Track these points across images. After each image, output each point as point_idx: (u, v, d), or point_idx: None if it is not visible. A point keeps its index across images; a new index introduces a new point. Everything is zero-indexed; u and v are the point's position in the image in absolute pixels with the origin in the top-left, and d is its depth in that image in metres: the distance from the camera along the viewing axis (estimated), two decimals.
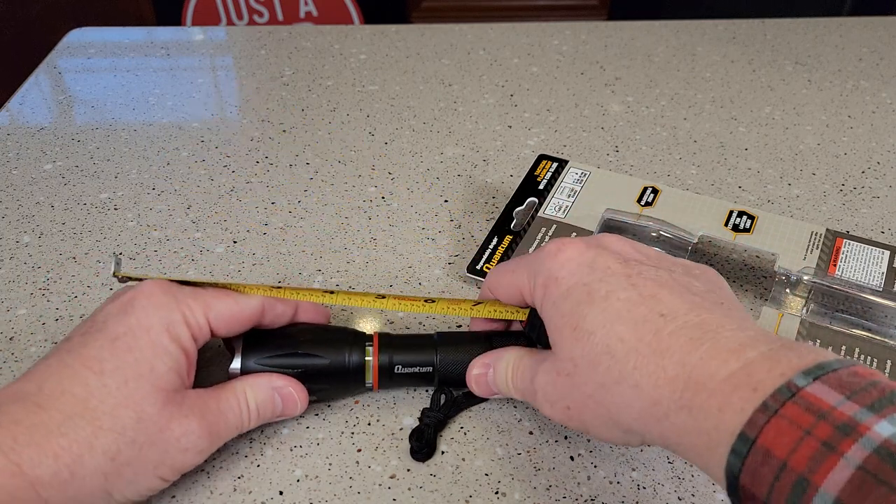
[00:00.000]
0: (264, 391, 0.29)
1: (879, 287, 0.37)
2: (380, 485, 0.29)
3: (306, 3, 1.33)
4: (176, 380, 0.27)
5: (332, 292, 0.32)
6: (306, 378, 0.30)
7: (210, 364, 0.33)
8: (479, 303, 0.32)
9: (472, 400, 0.32)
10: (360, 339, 0.31)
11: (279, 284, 0.35)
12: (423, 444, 0.30)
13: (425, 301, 0.32)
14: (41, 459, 0.23)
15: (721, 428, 0.21)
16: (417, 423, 0.31)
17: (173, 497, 0.29)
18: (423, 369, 0.31)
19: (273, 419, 0.30)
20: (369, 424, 0.32)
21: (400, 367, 0.31)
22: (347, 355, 0.30)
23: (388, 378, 0.31)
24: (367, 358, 0.31)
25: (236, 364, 0.30)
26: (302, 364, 0.30)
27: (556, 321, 0.26)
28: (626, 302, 0.25)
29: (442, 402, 0.31)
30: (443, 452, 0.31)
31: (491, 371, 0.30)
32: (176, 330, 0.27)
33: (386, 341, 0.31)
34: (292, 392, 0.30)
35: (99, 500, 0.25)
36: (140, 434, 0.25)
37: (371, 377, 0.31)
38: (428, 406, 0.32)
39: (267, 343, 0.30)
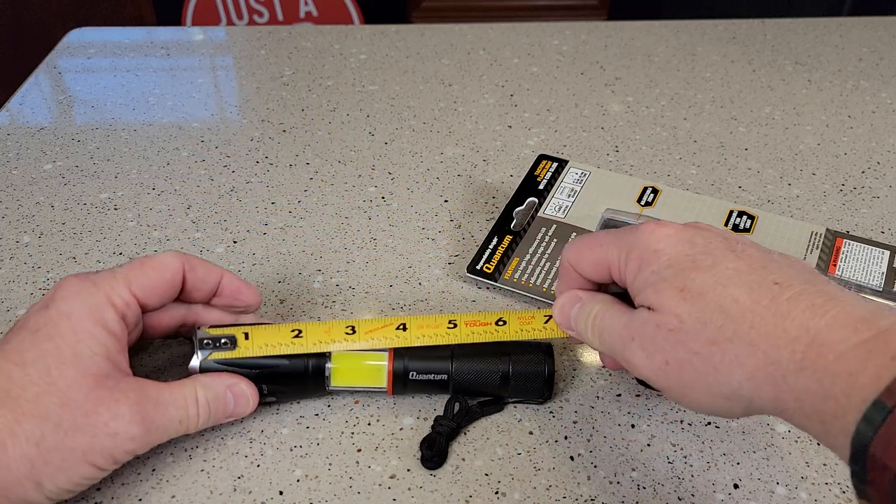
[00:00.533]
0: (217, 388, 0.29)
1: (879, 287, 0.37)
2: (380, 485, 0.29)
3: (306, 3, 1.33)
4: (105, 364, 0.26)
5: (402, 328, 0.31)
6: (265, 379, 0.30)
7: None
8: (549, 317, 0.31)
9: (487, 409, 0.32)
10: None
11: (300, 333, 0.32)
12: (434, 453, 0.30)
13: (496, 323, 0.31)
14: None
15: (852, 394, 0.20)
16: (430, 430, 0.31)
17: (173, 497, 0.29)
18: (438, 377, 0.31)
19: (224, 418, 0.30)
20: (369, 424, 0.32)
21: (415, 373, 0.31)
22: (307, 357, 0.30)
23: (402, 385, 0.31)
24: (326, 363, 0.31)
25: (195, 362, 0.30)
26: (261, 364, 0.30)
27: (657, 286, 0.25)
28: (735, 270, 0.24)
29: (455, 410, 0.31)
30: None
31: (578, 306, 0.29)
32: (101, 313, 0.27)
33: (401, 348, 0.31)
34: (245, 390, 0.30)
35: (29, 490, 0.25)
36: (65, 419, 0.25)
37: (385, 382, 0.31)
38: (429, 408, 0.32)
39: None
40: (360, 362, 0.31)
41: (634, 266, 0.26)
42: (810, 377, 0.21)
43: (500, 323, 0.31)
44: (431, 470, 0.30)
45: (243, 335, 0.30)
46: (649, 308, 0.25)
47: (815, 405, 0.21)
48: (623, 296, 0.28)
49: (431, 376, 0.31)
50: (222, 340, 0.30)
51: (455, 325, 0.31)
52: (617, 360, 0.27)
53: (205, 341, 0.30)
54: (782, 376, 0.22)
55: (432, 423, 0.31)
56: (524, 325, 0.31)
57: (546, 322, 0.31)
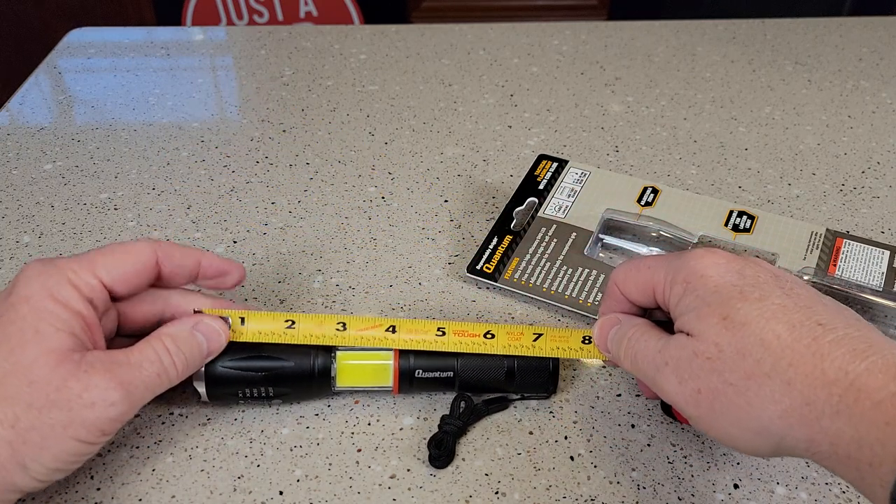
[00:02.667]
0: (183, 332, 0.28)
1: (879, 287, 0.37)
2: (380, 485, 0.29)
3: (306, 3, 1.33)
4: (69, 340, 0.26)
5: (391, 329, 0.31)
6: (270, 381, 0.30)
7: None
8: (540, 335, 0.31)
9: (493, 407, 0.32)
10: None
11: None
12: (441, 452, 0.30)
13: (484, 336, 0.31)
14: None
15: (888, 444, 0.20)
16: (437, 429, 0.31)
17: (173, 497, 0.29)
18: (444, 374, 0.31)
19: (203, 359, 0.29)
20: (369, 424, 0.32)
21: (420, 371, 0.31)
22: (313, 358, 0.30)
23: (409, 383, 0.31)
24: (332, 363, 0.30)
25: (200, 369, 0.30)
26: (266, 367, 0.30)
27: (699, 311, 0.25)
28: (780, 306, 0.24)
29: (461, 409, 0.31)
30: None
31: (616, 328, 0.29)
32: (61, 293, 0.26)
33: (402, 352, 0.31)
34: (211, 324, 0.29)
35: (15, 474, 0.24)
36: (35, 397, 0.25)
37: (391, 381, 0.31)
38: (428, 408, 0.32)
39: (232, 346, 0.30)
40: (365, 361, 0.31)
41: (679, 289, 0.26)
42: (846, 422, 0.21)
43: (488, 336, 0.31)
44: (440, 469, 0.30)
45: (239, 319, 0.30)
46: (688, 334, 0.25)
47: (849, 451, 0.21)
48: (666, 325, 0.28)
49: (437, 374, 0.31)
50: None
51: (444, 333, 0.31)
52: (648, 384, 0.27)
53: None
54: (817, 418, 0.22)
55: (439, 422, 0.31)
56: (513, 342, 0.31)
57: (584, 342, 0.31)
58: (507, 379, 0.31)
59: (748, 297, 0.24)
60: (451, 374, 0.31)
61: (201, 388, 0.30)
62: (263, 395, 0.31)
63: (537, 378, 0.31)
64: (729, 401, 0.23)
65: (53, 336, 0.26)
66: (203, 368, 0.30)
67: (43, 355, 0.25)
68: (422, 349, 0.31)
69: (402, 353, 0.31)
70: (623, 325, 0.28)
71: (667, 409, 0.31)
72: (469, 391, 0.32)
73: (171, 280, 0.30)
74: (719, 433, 0.24)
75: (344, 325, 0.31)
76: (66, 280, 0.27)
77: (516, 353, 0.31)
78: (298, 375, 0.30)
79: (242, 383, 0.30)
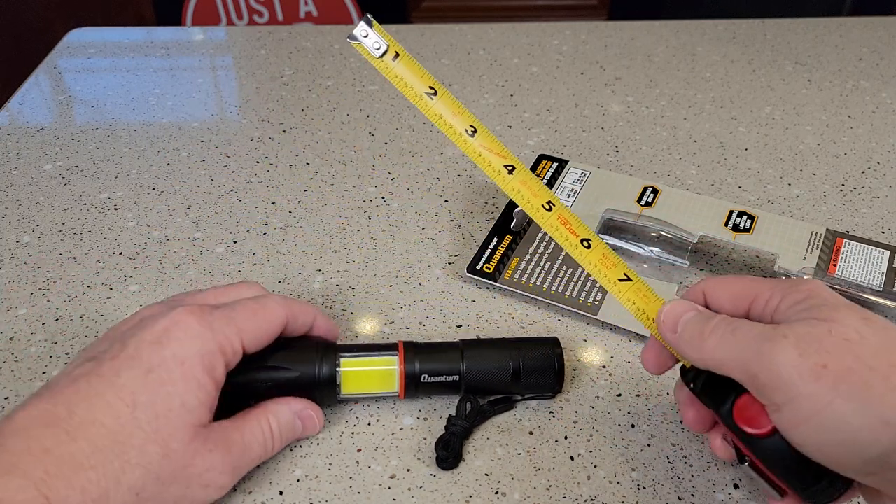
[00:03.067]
0: (286, 416, 0.29)
1: (879, 287, 0.37)
2: (380, 485, 0.29)
3: (306, 3, 1.33)
4: (205, 414, 0.26)
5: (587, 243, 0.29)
6: (274, 390, 0.30)
7: None
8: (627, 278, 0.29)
9: (499, 408, 0.32)
10: (331, 349, 0.31)
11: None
12: (449, 454, 0.30)
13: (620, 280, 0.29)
14: (69, 493, 0.23)
15: None
16: (444, 430, 0.31)
17: None
18: (450, 378, 0.31)
19: (292, 441, 0.30)
20: (369, 424, 0.32)
21: (426, 376, 0.31)
22: (318, 367, 0.30)
23: (415, 387, 0.31)
24: (336, 371, 0.30)
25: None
26: (272, 378, 0.30)
27: (834, 308, 0.23)
28: None
29: (468, 410, 0.31)
30: None
31: (694, 313, 0.26)
32: (211, 361, 0.26)
33: (411, 349, 0.31)
34: (312, 414, 0.30)
35: None
36: (165, 470, 0.25)
37: (397, 386, 0.31)
38: (428, 408, 0.32)
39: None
40: (370, 368, 0.31)
41: (796, 297, 0.24)
42: None
43: (585, 244, 0.29)
44: (447, 471, 0.30)
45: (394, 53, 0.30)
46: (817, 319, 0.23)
47: None
48: None
49: (443, 378, 0.31)
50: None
51: (550, 209, 0.29)
52: (744, 360, 0.23)
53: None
54: None
55: (445, 423, 0.31)
56: (602, 267, 0.29)
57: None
58: (514, 380, 0.31)
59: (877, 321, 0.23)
60: (457, 377, 0.31)
61: None
62: None
63: (543, 378, 0.31)
64: (864, 381, 0.21)
65: (195, 410, 0.26)
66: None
67: (182, 429, 0.25)
68: (526, 210, 0.30)
69: (408, 358, 0.31)
70: (705, 311, 0.26)
71: (741, 456, 0.27)
72: (475, 394, 0.32)
73: (287, 333, 0.30)
74: (831, 416, 0.21)
75: (475, 129, 0.30)
76: (219, 348, 0.27)
77: (598, 280, 0.29)
78: (304, 384, 0.30)
79: (249, 396, 0.30)
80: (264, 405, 0.29)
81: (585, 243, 0.29)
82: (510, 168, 0.30)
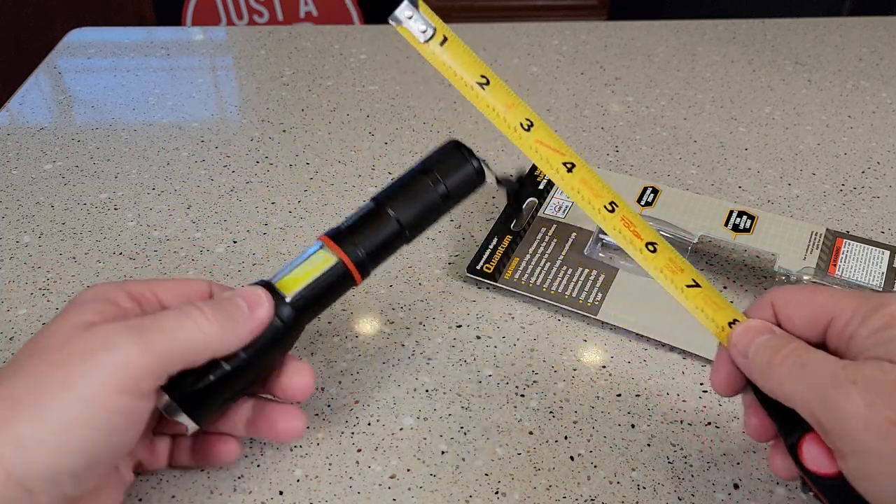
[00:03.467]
0: (216, 298, 0.26)
1: (879, 287, 0.37)
2: (380, 485, 0.29)
3: (306, 3, 1.33)
4: (105, 308, 0.24)
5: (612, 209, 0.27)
6: (246, 369, 0.26)
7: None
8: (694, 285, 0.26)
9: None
10: (263, 285, 0.27)
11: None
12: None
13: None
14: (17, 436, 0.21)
15: None
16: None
17: (173, 497, 0.29)
18: (392, 236, 0.28)
19: (247, 323, 0.25)
20: (369, 424, 0.32)
21: (370, 250, 0.27)
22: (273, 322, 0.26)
23: (370, 267, 0.28)
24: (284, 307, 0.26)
25: (162, 400, 0.25)
26: (234, 362, 0.25)
27: None
28: None
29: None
30: (443, 452, 0.31)
31: (769, 336, 0.24)
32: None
33: (339, 237, 0.27)
34: (248, 289, 0.26)
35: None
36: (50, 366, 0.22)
37: (353, 276, 0.27)
38: (428, 408, 0.32)
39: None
40: (309, 274, 0.27)
41: (876, 323, 0.22)
42: None
43: (650, 248, 0.27)
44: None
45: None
46: (891, 361, 0.21)
47: None
48: None
49: (387, 238, 0.28)
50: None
51: (612, 210, 0.27)
52: (809, 401, 0.22)
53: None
54: None
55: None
56: (668, 272, 0.27)
57: (730, 325, 0.26)
58: (444, 201, 0.29)
59: None
60: (397, 228, 0.28)
61: (183, 420, 0.25)
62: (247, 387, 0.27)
63: (470, 185, 0.29)
64: None
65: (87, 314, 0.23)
66: (169, 398, 0.25)
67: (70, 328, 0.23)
68: (587, 211, 0.27)
69: (345, 248, 0.27)
70: (779, 336, 0.25)
71: (806, 483, 0.25)
72: (418, 232, 0.29)
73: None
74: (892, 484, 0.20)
75: (531, 123, 0.27)
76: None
77: (664, 285, 0.27)
78: (264, 340, 0.26)
79: (226, 392, 0.26)
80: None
81: (651, 247, 0.27)
82: (569, 166, 0.27)
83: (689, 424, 0.32)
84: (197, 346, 0.24)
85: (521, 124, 0.27)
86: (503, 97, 0.27)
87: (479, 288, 0.38)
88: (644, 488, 0.29)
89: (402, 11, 0.26)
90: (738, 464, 0.30)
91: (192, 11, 1.34)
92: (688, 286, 0.27)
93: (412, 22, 0.27)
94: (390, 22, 0.27)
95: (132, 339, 0.23)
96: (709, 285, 0.27)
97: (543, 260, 0.39)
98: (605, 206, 0.27)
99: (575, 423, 0.32)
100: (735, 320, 0.26)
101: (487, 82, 0.27)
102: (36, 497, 0.22)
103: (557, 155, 0.27)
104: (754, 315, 0.26)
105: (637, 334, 0.36)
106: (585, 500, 0.29)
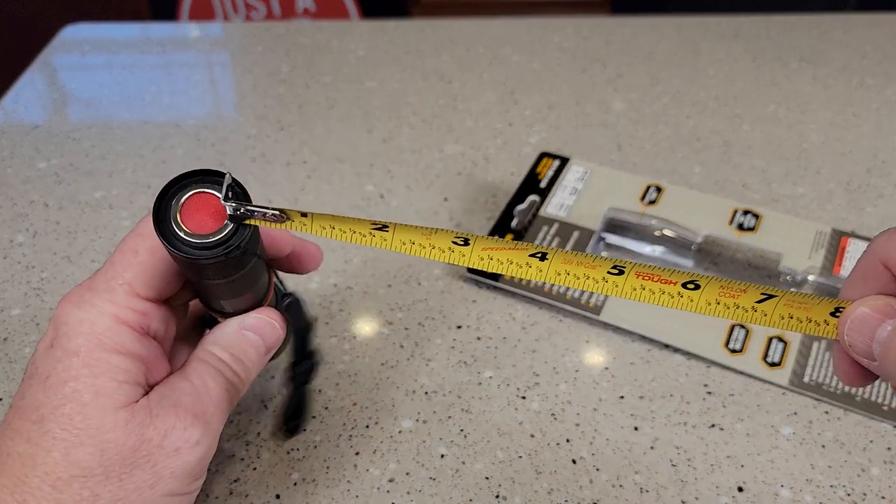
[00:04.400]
0: (230, 336, 0.25)
1: None
2: (378, 488, 0.29)
3: None
4: (132, 390, 0.23)
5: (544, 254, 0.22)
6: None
7: None
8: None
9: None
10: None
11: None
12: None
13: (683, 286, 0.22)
14: None
15: None
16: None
17: None
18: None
19: (267, 356, 0.26)
20: (367, 427, 0.31)
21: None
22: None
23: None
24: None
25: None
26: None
27: None
28: None
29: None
30: (442, 455, 0.30)
31: (891, 325, 0.19)
32: (112, 338, 0.23)
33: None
34: (260, 318, 0.25)
35: None
36: (111, 465, 0.22)
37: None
38: (428, 409, 0.31)
39: None
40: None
41: None
42: None
43: (690, 286, 0.22)
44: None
45: (298, 212, 0.22)
46: None
47: None
48: None
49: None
50: (269, 213, 0.22)
51: (620, 273, 0.23)
52: None
53: (231, 193, 0.21)
54: None
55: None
56: (725, 298, 0.22)
57: (834, 314, 0.21)
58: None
59: None
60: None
61: None
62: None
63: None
64: None
65: (116, 392, 0.22)
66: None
67: (109, 416, 0.22)
68: (581, 287, 0.23)
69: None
70: None
71: None
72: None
73: None
74: None
75: (466, 240, 0.23)
76: (113, 318, 0.23)
77: (725, 315, 0.22)
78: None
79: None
80: (204, 338, 0.25)
81: (691, 285, 0.22)
82: (540, 255, 0.23)
83: (693, 427, 0.31)
84: (231, 403, 0.25)
85: (455, 241, 0.23)
86: (414, 230, 0.23)
87: (480, 288, 0.38)
88: (647, 491, 0.29)
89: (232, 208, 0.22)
90: (743, 466, 0.30)
91: (189, 6, 1.33)
92: (758, 302, 0.22)
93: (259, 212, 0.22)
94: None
95: (195, 428, 0.23)
96: (782, 291, 0.22)
97: None
98: (608, 273, 0.23)
99: (577, 425, 0.31)
100: (838, 308, 0.21)
101: (385, 226, 0.23)
102: None
103: (519, 252, 0.23)
104: (859, 277, 0.21)
105: (640, 335, 0.35)
106: None
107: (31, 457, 0.21)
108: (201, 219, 0.22)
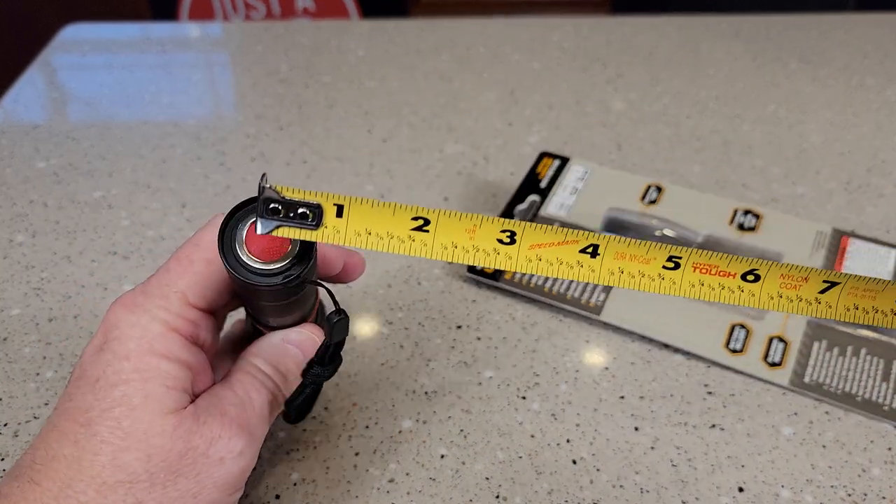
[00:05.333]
0: (272, 350, 0.25)
1: None
2: (378, 489, 0.29)
3: None
4: (181, 397, 0.23)
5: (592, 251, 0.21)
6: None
7: None
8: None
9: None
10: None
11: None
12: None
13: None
14: None
15: None
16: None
17: None
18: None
19: (300, 369, 0.26)
20: (367, 427, 0.31)
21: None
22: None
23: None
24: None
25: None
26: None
27: None
28: None
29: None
30: (442, 456, 0.30)
31: None
32: (163, 344, 0.23)
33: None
34: (304, 333, 0.26)
35: None
36: (157, 471, 0.22)
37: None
38: (428, 410, 0.31)
39: None
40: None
41: None
42: None
43: (749, 278, 0.21)
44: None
45: (334, 208, 0.21)
46: None
47: None
48: None
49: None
50: (300, 210, 0.21)
51: (677, 266, 0.21)
52: None
53: (272, 205, 0.21)
54: None
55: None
56: (786, 290, 0.21)
57: None
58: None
59: None
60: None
61: None
62: None
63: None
64: None
65: (164, 397, 0.22)
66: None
67: (157, 421, 0.22)
68: (636, 286, 0.21)
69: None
70: None
71: None
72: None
73: None
74: None
75: (512, 235, 0.21)
76: (164, 325, 0.23)
77: (789, 309, 0.21)
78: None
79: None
80: (246, 350, 0.26)
81: (750, 277, 0.21)
82: (591, 250, 0.21)
83: (694, 427, 0.31)
84: (272, 415, 0.25)
85: (499, 240, 0.21)
86: (457, 224, 0.21)
87: (480, 288, 0.38)
88: (647, 492, 0.29)
89: (266, 227, 0.21)
90: (743, 466, 0.30)
91: (189, 5, 1.33)
92: (821, 292, 0.21)
93: (290, 224, 0.21)
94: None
95: (239, 438, 0.23)
96: (846, 276, 0.21)
97: None
98: (663, 268, 0.21)
99: (577, 425, 0.31)
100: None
101: (426, 221, 0.21)
102: None
103: (569, 247, 0.21)
104: None
105: (640, 335, 0.35)
106: None
107: (78, 460, 0.21)
108: (264, 244, 0.22)
